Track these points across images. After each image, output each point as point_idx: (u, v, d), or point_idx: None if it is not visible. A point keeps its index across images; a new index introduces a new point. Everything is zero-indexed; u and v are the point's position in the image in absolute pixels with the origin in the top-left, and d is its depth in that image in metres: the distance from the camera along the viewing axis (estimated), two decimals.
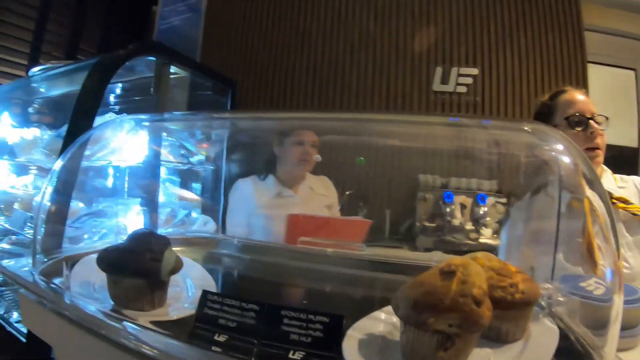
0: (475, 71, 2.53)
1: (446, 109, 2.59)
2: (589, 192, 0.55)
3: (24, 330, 1.02)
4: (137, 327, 0.53)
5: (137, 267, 0.61)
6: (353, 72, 2.75)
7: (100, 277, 0.72)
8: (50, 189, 0.80)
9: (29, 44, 2.48)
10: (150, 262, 0.63)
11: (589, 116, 1.28)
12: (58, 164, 0.81)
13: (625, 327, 0.77)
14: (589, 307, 0.59)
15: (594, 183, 0.53)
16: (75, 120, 0.97)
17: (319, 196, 1.58)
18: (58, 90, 1.75)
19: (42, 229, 0.81)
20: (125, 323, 0.53)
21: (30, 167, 1.56)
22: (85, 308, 0.61)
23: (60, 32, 2.66)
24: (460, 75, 2.58)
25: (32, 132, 1.53)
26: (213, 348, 0.51)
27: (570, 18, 2.34)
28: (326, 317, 0.51)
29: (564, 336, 0.57)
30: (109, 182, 1.19)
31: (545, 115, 1.40)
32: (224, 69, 2.86)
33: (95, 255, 0.72)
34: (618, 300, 0.48)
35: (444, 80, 2.61)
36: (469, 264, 0.49)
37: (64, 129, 1.16)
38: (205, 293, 0.57)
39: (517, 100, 2.42)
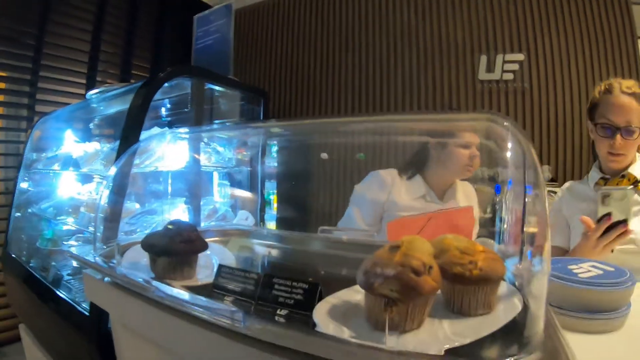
0: (521, 57, 2.56)
1: (493, 97, 2.64)
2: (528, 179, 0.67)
3: (87, 307, 1.33)
4: (170, 288, 0.75)
5: (169, 248, 0.84)
6: (398, 66, 2.89)
7: (145, 258, 0.97)
8: (106, 192, 1.06)
9: (86, 65, 2.91)
10: (179, 244, 0.85)
11: (620, 126, 1.39)
12: (112, 171, 1.06)
13: (612, 309, 0.86)
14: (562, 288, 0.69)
15: (534, 170, 0.66)
16: (125, 134, 1.22)
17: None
18: (113, 108, 2.09)
19: (101, 224, 1.06)
20: (156, 284, 0.75)
21: (93, 176, 1.90)
22: (133, 277, 0.83)
23: (114, 51, 3.09)
24: (505, 62, 2.62)
25: (93, 146, 1.87)
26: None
27: None
28: (306, 284, 0.68)
29: (524, 313, 0.65)
30: (158, 185, 1.47)
31: (593, 107, 1.52)
32: (257, 79, 3.18)
33: None
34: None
35: (490, 68, 2.66)
36: (414, 240, 0.64)
37: (117, 143, 1.46)
38: (220, 266, 0.78)
39: (566, 84, 2.43)
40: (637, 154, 1.51)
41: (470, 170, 1.45)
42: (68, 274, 1.62)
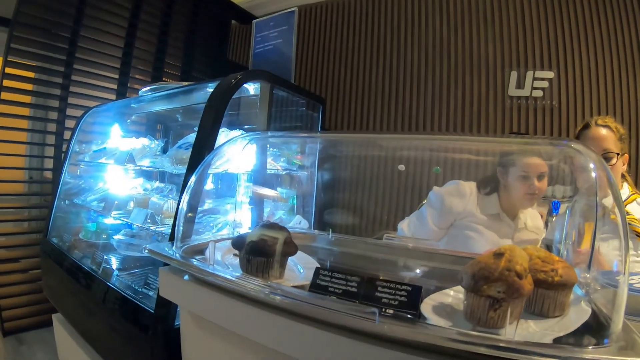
0: (550, 74, 2.64)
1: (522, 114, 2.73)
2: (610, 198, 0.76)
3: (147, 302, 1.42)
4: (277, 287, 0.83)
5: (267, 249, 0.92)
6: (428, 79, 2.99)
7: (226, 256, 1.05)
8: (187, 197, 1.15)
9: (119, 60, 3.00)
10: (275, 246, 0.93)
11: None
12: (192, 180, 1.16)
13: None
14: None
15: (614, 189, 0.76)
16: (200, 141, 1.29)
17: (528, 232, 1.62)
18: (162, 106, 2.19)
19: (181, 225, 1.15)
20: (269, 283, 0.83)
21: (141, 171, 1.99)
22: (223, 275, 0.91)
23: (147, 48, 3.18)
24: (535, 79, 2.69)
25: (141, 142, 1.95)
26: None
27: None
28: (409, 286, 0.77)
29: (594, 316, 0.76)
30: (222, 186, 1.56)
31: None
32: (315, 86, 3.37)
33: (224, 241, 1.06)
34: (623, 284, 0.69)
35: (519, 84, 2.73)
36: (515, 248, 0.74)
37: (183, 141, 1.56)
38: (317, 269, 0.86)
39: (594, 102, 2.51)
40: (624, 182, 1.73)
41: (531, 200, 1.54)
42: (117, 269, 1.70)
